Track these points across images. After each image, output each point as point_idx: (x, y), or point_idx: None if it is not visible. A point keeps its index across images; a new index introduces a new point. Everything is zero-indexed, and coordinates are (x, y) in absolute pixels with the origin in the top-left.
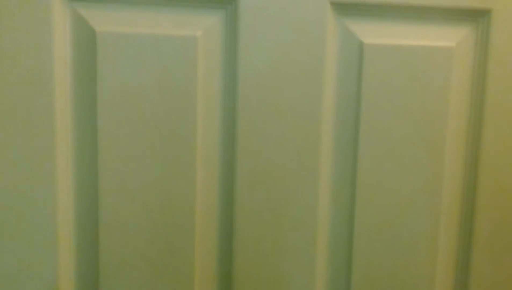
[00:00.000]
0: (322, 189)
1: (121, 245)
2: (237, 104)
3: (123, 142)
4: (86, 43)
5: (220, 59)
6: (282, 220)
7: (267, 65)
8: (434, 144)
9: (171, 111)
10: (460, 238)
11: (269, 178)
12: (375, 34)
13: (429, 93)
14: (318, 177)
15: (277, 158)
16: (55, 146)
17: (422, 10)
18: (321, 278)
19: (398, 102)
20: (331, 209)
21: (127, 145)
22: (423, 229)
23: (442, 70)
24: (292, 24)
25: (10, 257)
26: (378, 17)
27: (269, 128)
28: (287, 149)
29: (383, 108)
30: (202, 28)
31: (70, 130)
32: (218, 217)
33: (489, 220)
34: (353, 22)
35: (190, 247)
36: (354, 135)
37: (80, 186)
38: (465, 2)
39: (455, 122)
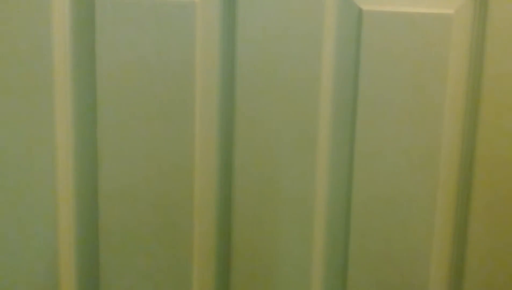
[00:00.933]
0: (320, 158)
1: (120, 214)
2: (235, 70)
3: (122, 109)
4: (85, 9)
5: (218, 25)
6: (280, 189)
7: (265, 31)
8: (432, 111)
9: (169, 78)
10: (458, 207)
11: (267, 146)
12: (374, 0)
13: (428, 60)
14: (316, 145)
15: (275, 126)
16: (54, 113)
17: None
18: (319, 248)
19: (396, 69)
20: (328, 178)
21: (126, 112)
22: (420, 198)
23: (441, 37)
24: None
25: (9, 226)
26: None
27: (267, 95)
28: (285, 117)
29: (382, 75)
30: None
31: (69, 97)
32: (217, 185)
33: (487, 189)
34: None
35: (189, 216)
36: (353, 102)
37: (79, 154)
38: None
39: (454, 89)
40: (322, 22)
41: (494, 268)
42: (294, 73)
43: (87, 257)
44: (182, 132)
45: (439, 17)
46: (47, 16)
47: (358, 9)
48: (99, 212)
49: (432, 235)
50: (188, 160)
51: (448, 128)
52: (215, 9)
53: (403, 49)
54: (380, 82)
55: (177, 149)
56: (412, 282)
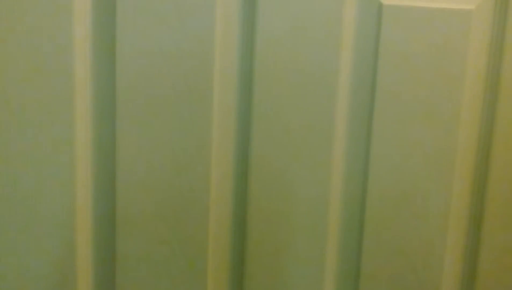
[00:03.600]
0: (336, 152)
1: (137, 204)
2: (254, 63)
3: (140, 100)
4: (106, 1)
5: (238, 19)
6: (295, 183)
7: (285, 24)
8: (450, 107)
9: (188, 69)
10: (473, 204)
11: (284, 139)
12: None
13: (447, 55)
14: (333, 139)
15: (292, 120)
16: (74, 103)
17: None
18: (333, 242)
19: (415, 64)
20: (344, 173)
21: (144, 103)
22: (436, 194)
23: (461, 33)
24: None
25: (28, 215)
26: None
27: (285, 88)
28: (302, 111)
29: (400, 70)
30: None
31: (89, 87)
32: (234, 177)
33: (503, 186)
34: None
35: (205, 207)
36: (370, 97)
37: (98, 145)
38: None
39: (472, 85)
40: (341, 15)
41: (508, 264)
42: (312, 66)
43: (104, 246)
44: (199, 124)
45: (459, 12)
46: (69, 5)
47: (378, 3)
48: (116, 203)
49: (446, 231)
50: (205, 152)
51: (465, 124)
52: (235, 3)
53: (423, 44)
54: (399, 77)
55: (194, 141)
56: (426, 277)
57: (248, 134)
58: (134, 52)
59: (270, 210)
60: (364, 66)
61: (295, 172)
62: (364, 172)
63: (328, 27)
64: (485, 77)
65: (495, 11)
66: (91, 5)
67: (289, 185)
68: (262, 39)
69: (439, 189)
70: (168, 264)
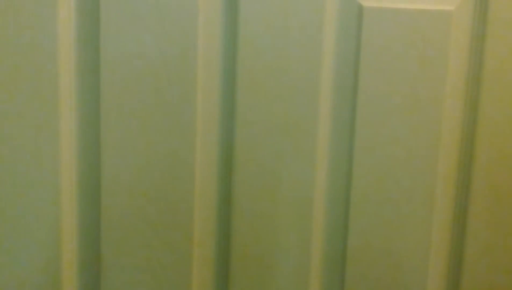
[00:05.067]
0: (319, 153)
1: (122, 209)
2: (237, 65)
3: (125, 104)
4: (90, 5)
5: (220, 23)
6: (279, 184)
7: (266, 27)
8: (432, 107)
9: (171, 73)
10: (457, 202)
11: (267, 141)
12: None
13: (428, 56)
14: (316, 140)
15: (275, 121)
16: (58, 108)
17: None
18: (317, 242)
19: (396, 65)
20: (328, 173)
21: (129, 107)
22: (419, 193)
23: (441, 33)
24: None
25: (12, 219)
26: None
27: (268, 91)
28: (285, 113)
29: (382, 72)
30: None
31: (73, 92)
32: (218, 181)
33: (486, 184)
34: None
35: (190, 211)
36: (353, 98)
37: (82, 149)
38: None
39: (453, 85)
40: (322, 18)
41: (493, 263)
42: (295, 68)
43: (89, 251)
44: (183, 128)
45: (439, 13)
46: (53, 12)
47: (358, 6)
48: (101, 207)
49: (430, 230)
50: (189, 156)
51: (447, 123)
52: (217, 6)
53: (403, 45)
54: (380, 78)
55: (178, 145)
56: (411, 277)
57: (232, 137)
58: (118, 57)
59: (254, 212)
60: (346, 68)
61: (279, 173)
62: (348, 172)
63: (309, 29)
64: (466, 77)
65: (475, 11)
66: (75, 12)
67: (273, 186)
68: (245, 42)
69: (423, 188)
70: (153, 268)
